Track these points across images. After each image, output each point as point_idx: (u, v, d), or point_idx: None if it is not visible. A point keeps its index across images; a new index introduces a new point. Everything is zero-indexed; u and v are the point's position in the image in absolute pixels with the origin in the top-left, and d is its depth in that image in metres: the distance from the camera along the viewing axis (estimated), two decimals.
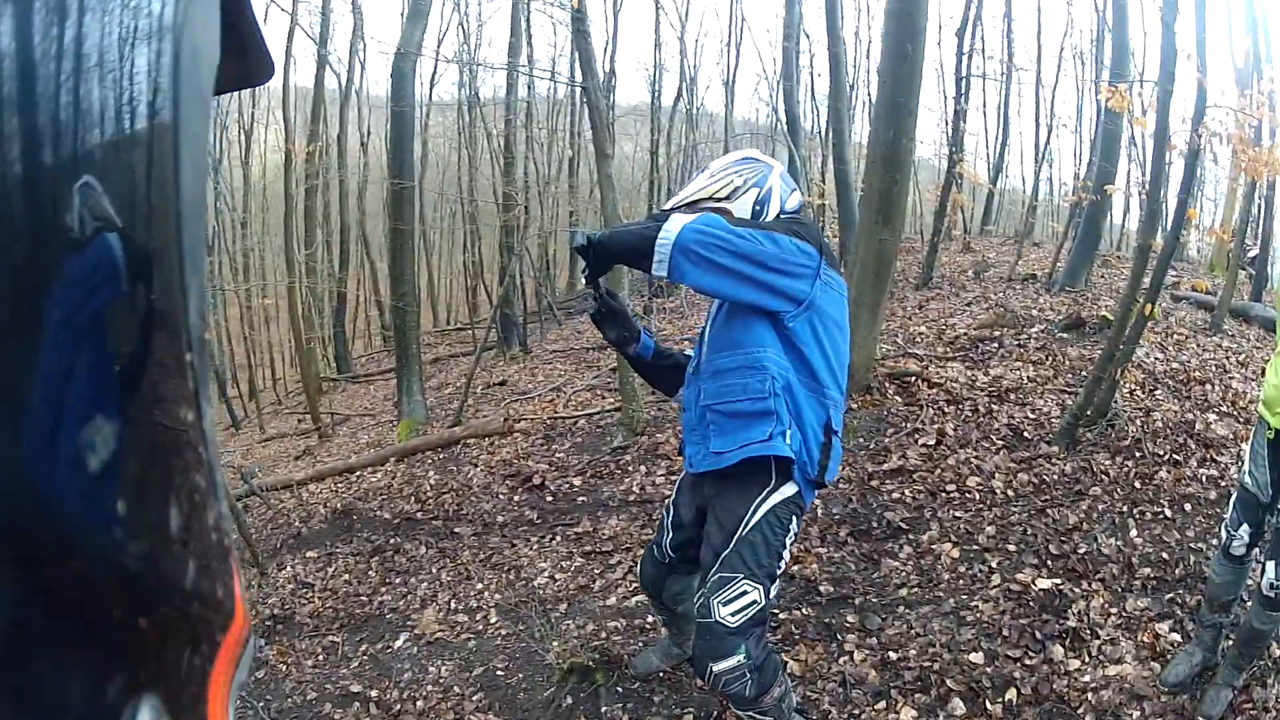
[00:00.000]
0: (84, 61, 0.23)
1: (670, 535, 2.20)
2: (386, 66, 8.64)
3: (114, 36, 0.24)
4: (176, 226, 0.28)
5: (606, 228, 2.15)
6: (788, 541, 1.87)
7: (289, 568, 5.50)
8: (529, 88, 13.70)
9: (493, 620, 3.70)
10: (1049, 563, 3.04)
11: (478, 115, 13.90)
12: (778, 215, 1.92)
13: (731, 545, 1.84)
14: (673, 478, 4.26)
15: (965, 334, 6.05)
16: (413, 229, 9.34)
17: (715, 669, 1.81)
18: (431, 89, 14.64)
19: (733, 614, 1.80)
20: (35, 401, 0.21)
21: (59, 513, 0.22)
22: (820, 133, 14.69)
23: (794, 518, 1.88)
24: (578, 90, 13.68)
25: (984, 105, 16.67)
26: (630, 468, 4.82)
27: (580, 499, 4.66)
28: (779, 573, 1.89)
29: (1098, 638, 2.59)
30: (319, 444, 9.74)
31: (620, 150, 14.36)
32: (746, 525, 1.84)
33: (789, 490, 1.85)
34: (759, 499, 1.84)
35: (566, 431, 5.88)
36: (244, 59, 0.35)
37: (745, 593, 1.80)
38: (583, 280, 1.83)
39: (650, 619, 3.03)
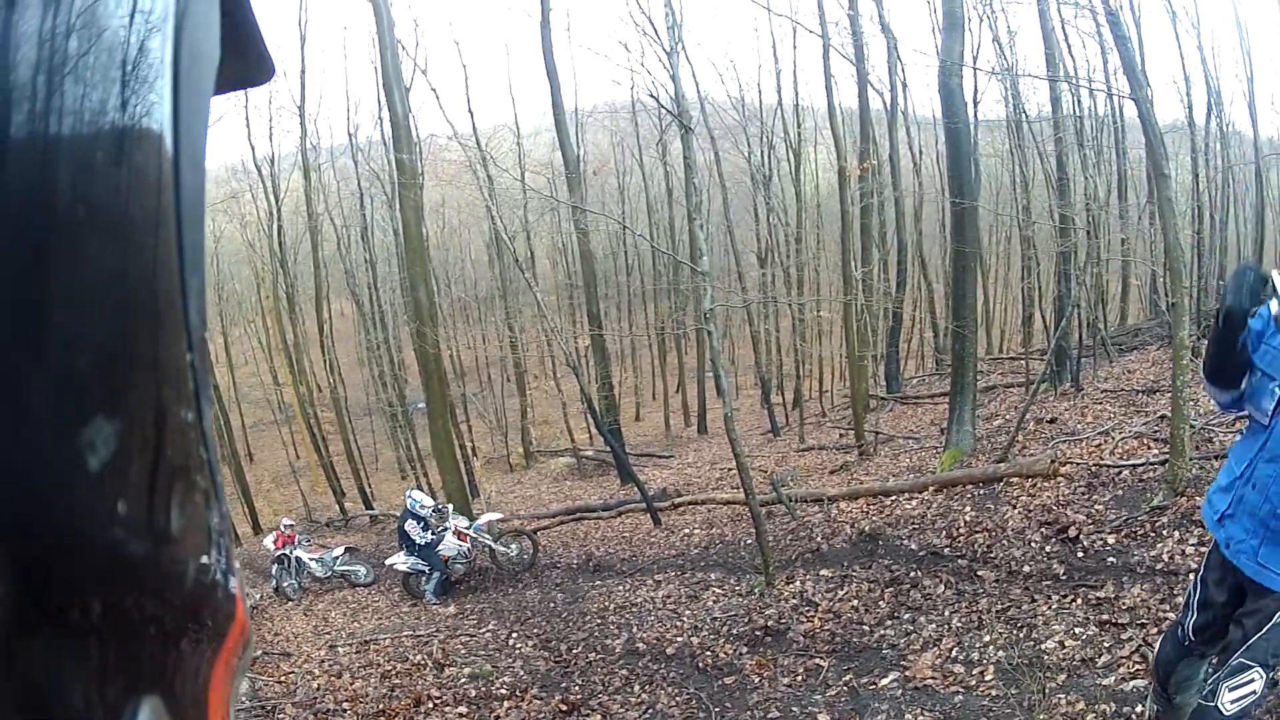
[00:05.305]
0: (84, 59, 0.23)
1: (1195, 615, 2.04)
2: (928, 86, 8.40)
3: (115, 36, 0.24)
4: (177, 227, 0.28)
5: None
6: None
7: (798, 582, 5.50)
8: (1075, 103, 12.24)
9: (988, 678, 3.44)
10: None
11: (1025, 133, 12.34)
12: None
13: (1263, 631, 1.74)
14: (1202, 549, 3.82)
15: None
16: (975, 251, 9.03)
17: None
18: (975, 108, 13.24)
19: (1233, 701, 1.73)
20: (36, 401, 0.21)
21: (59, 513, 0.22)
22: None
23: None
24: (1118, 105, 12.14)
25: None
26: (1164, 531, 4.37)
27: (1110, 559, 4.31)
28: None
29: None
30: (858, 461, 9.85)
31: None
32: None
33: None
34: None
35: (1110, 481, 5.39)
36: (244, 59, 0.35)
37: (1251, 681, 1.73)
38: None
39: (1139, 710, 2.76)
